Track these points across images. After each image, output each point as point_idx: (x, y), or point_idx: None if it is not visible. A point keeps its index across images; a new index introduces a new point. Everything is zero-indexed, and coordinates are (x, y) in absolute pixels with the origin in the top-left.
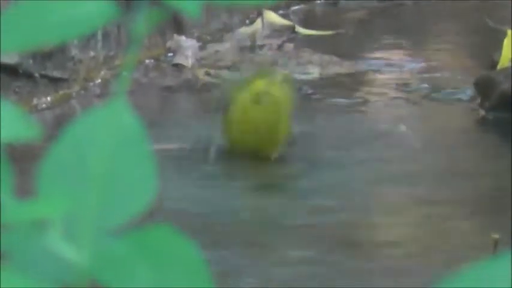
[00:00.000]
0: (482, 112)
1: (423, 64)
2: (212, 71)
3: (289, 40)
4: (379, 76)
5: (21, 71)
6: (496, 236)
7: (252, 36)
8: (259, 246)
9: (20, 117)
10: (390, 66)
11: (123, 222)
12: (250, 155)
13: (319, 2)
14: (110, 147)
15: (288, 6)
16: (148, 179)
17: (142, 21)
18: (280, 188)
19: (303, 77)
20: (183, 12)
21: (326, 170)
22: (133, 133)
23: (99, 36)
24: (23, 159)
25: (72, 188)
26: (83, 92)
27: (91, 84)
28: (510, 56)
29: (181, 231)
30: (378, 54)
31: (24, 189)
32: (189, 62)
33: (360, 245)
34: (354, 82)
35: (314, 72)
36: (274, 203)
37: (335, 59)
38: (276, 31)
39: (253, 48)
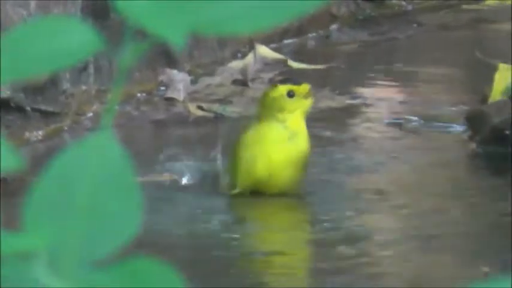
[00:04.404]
0: (473, 146)
1: (414, 97)
2: (204, 105)
3: (281, 74)
4: (371, 110)
5: (12, 105)
6: (486, 269)
7: (244, 70)
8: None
9: (9, 150)
10: (381, 100)
11: (107, 253)
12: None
13: (311, 35)
14: (95, 179)
15: (280, 40)
16: (133, 211)
17: (129, 53)
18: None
19: None
20: (168, 43)
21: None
22: (119, 165)
23: (91, 70)
24: (15, 194)
25: (58, 219)
26: (74, 125)
27: (83, 117)
28: (501, 90)
29: (167, 263)
30: (369, 88)
31: (15, 223)
32: (180, 96)
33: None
34: (346, 116)
35: None
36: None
37: (327, 92)
38: (268, 65)
39: (245, 82)
